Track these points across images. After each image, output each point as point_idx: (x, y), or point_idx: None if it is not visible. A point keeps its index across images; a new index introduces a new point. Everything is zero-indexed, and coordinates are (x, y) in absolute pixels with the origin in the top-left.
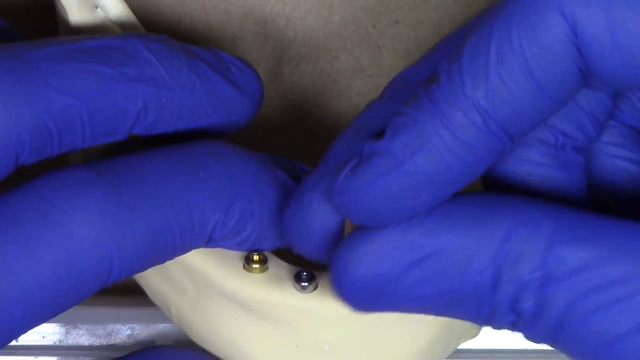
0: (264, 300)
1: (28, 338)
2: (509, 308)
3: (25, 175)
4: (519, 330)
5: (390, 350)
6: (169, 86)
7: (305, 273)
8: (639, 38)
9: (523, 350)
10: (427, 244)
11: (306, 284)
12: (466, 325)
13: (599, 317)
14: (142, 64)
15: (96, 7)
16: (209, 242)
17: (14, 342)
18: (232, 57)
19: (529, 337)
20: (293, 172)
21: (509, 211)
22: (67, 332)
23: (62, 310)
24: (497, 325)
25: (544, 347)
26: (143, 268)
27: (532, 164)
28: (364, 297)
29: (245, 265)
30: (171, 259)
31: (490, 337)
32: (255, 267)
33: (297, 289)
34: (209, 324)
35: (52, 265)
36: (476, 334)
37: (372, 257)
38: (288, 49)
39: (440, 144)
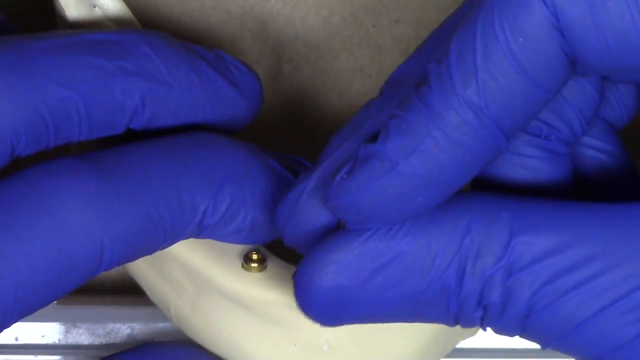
0: (262, 299)
1: (28, 337)
2: (477, 303)
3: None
4: (488, 325)
5: (389, 349)
6: (167, 82)
7: None
8: (619, 18)
9: (523, 350)
10: (387, 249)
11: None
12: None
13: (564, 303)
14: (141, 59)
15: (94, 7)
16: (202, 230)
17: (14, 342)
18: (233, 58)
19: (499, 330)
20: (291, 165)
21: (467, 207)
22: (67, 331)
23: (55, 297)
24: (467, 323)
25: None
26: (135, 255)
27: (519, 155)
28: (330, 310)
29: (244, 264)
30: (162, 247)
31: (490, 337)
32: (254, 266)
33: None
34: (208, 323)
35: (42, 250)
36: (475, 332)
37: (333, 268)
38: (288, 49)
39: (434, 145)
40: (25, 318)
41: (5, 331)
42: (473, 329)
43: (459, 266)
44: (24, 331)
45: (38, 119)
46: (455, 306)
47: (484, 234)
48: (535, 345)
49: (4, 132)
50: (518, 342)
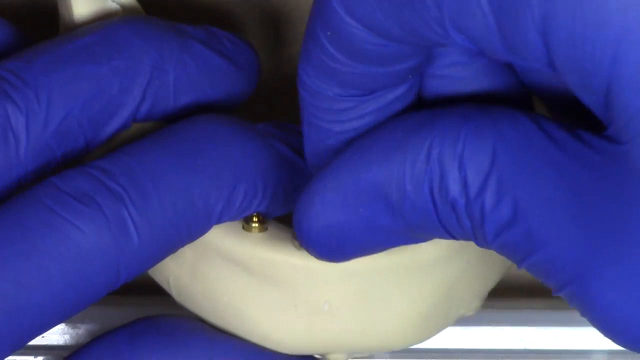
0: (263, 258)
1: None
2: (457, 224)
3: None
4: (477, 242)
5: (390, 312)
6: (162, 69)
7: None
8: None
9: (523, 350)
10: (359, 181)
11: None
12: (466, 296)
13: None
14: (131, 52)
15: None
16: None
17: None
18: (225, 32)
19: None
20: (290, 139)
21: (426, 129)
22: (67, 332)
23: (71, 316)
24: (461, 238)
25: (544, 347)
26: (151, 267)
27: (454, 65)
28: (329, 247)
29: (245, 225)
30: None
31: (491, 337)
32: (255, 227)
33: (296, 247)
34: (208, 289)
35: (59, 276)
36: (477, 308)
37: (318, 208)
38: (288, 28)
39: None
40: None
41: None
42: (475, 304)
43: (430, 193)
44: None
45: (43, 146)
46: (442, 229)
47: (443, 157)
48: (537, 346)
49: (10, 169)
50: (519, 343)
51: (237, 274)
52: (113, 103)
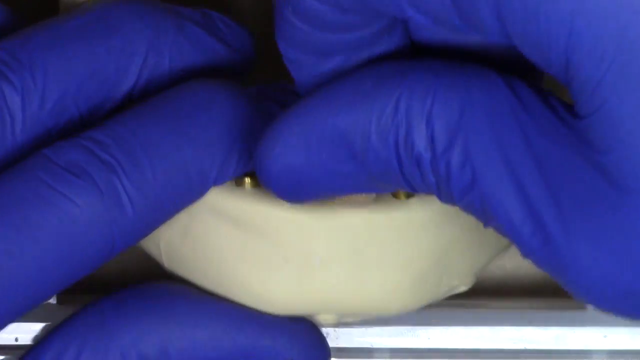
0: (255, 212)
1: (28, 338)
2: (421, 181)
3: None
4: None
5: (381, 271)
6: (157, 49)
7: None
8: None
9: (523, 350)
10: (324, 126)
11: None
12: (460, 266)
13: None
14: (128, 32)
15: None
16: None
17: (13, 342)
18: (221, 15)
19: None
20: (288, 100)
21: (397, 81)
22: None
23: (65, 287)
24: (424, 192)
25: (544, 347)
26: (145, 236)
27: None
28: (289, 187)
29: (237, 181)
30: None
31: (491, 337)
32: (247, 182)
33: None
34: (199, 249)
35: (52, 248)
36: (470, 283)
37: (279, 150)
38: None
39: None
40: (25, 319)
41: (5, 332)
42: (469, 279)
43: (394, 146)
44: (24, 332)
45: (39, 126)
46: (404, 182)
47: (410, 110)
48: (537, 346)
49: (6, 150)
50: (519, 343)
51: (228, 230)
52: (109, 82)
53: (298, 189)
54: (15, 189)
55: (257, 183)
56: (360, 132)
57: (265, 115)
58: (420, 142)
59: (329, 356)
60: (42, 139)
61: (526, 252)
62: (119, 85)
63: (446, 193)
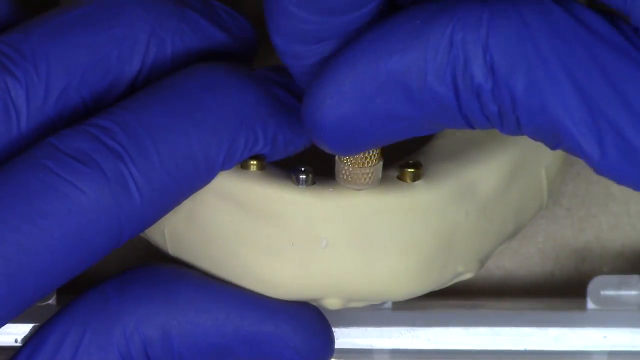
0: (261, 195)
1: None
2: (480, 113)
3: None
4: (501, 129)
5: (387, 255)
6: (159, 37)
7: (302, 167)
8: None
9: (523, 350)
10: (377, 71)
11: (304, 176)
12: (465, 252)
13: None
14: (131, 20)
15: None
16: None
17: (13, 343)
18: (222, 5)
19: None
20: (291, 83)
21: (446, 16)
22: None
23: (75, 276)
24: (481, 128)
25: (544, 347)
26: (153, 223)
27: None
28: (342, 140)
29: (243, 164)
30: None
31: (491, 337)
32: (253, 165)
33: (294, 183)
34: (204, 233)
35: (61, 237)
36: (476, 269)
37: (331, 101)
38: None
39: None
40: (25, 319)
41: (5, 333)
42: (473, 264)
43: (452, 81)
44: (24, 333)
45: (43, 117)
46: (462, 118)
47: (467, 43)
48: (537, 347)
49: (10, 140)
50: (519, 343)
51: (234, 213)
52: (112, 71)
53: (353, 140)
54: (23, 179)
55: (263, 166)
56: (416, 72)
57: (269, 98)
58: (480, 73)
59: (333, 344)
60: (47, 131)
61: (601, 169)
62: (122, 74)
63: (510, 120)
